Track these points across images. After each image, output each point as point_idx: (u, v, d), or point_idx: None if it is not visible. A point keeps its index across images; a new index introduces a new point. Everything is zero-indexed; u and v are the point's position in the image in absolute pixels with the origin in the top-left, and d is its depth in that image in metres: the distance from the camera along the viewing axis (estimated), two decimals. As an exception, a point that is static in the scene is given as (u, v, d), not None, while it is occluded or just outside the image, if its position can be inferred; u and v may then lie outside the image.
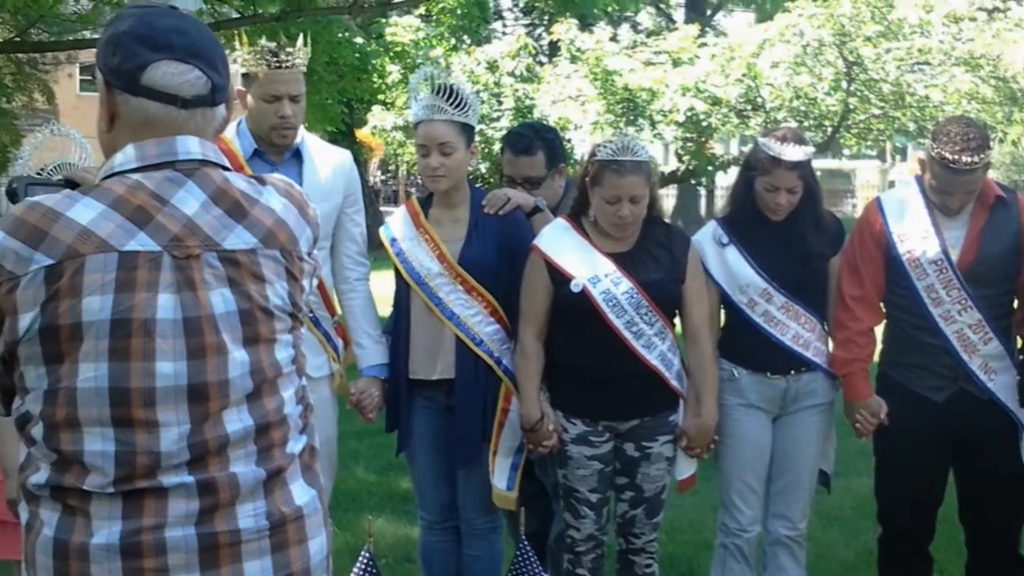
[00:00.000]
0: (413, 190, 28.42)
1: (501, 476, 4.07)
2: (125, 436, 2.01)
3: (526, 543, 3.95)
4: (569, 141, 14.63)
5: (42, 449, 2.05)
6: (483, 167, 15.08)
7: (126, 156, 2.10)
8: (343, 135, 19.56)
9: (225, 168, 2.17)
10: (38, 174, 3.71)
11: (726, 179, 17.50)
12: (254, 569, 2.08)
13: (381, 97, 18.14)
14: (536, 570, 3.91)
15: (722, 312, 4.25)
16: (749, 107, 16.07)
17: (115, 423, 2.01)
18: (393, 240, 4.18)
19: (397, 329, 4.20)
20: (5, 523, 3.69)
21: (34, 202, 2.05)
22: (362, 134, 21.86)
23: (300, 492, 2.17)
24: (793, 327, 4.13)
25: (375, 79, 17.10)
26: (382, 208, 28.59)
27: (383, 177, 36.88)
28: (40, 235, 1.99)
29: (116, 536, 2.01)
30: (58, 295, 1.98)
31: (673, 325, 4.03)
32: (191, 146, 2.12)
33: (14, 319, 2.01)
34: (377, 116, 17.78)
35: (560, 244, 4.00)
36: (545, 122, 12.45)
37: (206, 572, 2.04)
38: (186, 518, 2.04)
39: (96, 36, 12.65)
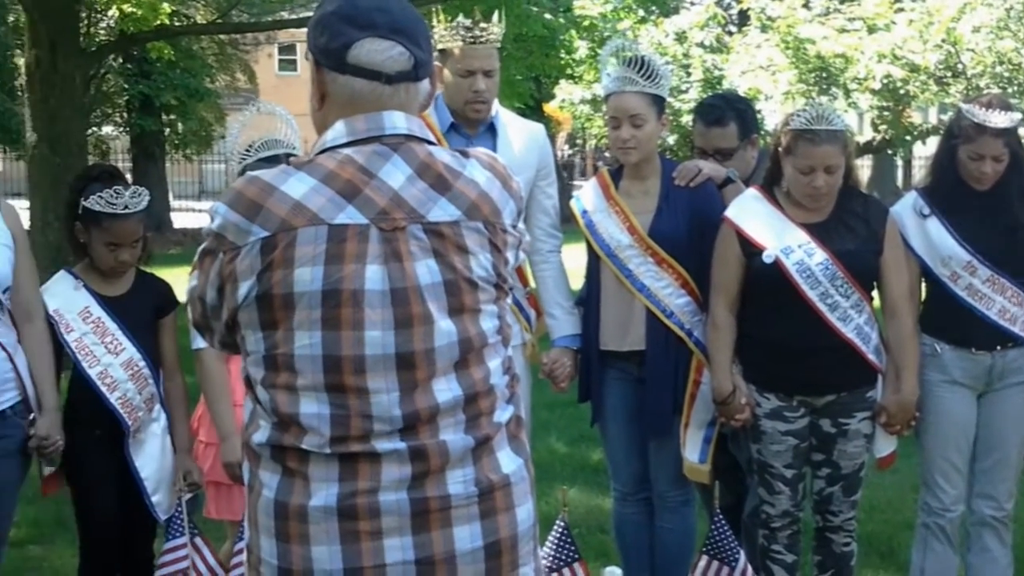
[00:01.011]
0: (600, 164, 28.40)
1: (693, 449, 4.06)
2: (339, 400, 2.09)
3: (721, 517, 3.93)
4: (759, 112, 14.37)
5: (263, 409, 2.16)
6: (671, 139, 14.97)
7: (336, 132, 2.18)
8: (531, 110, 19.69)
9: (430, 142, 2.22)
10: (246, 151, 3.88)
11: (924, 150, 16.93)
12: (463, 534, 2.14)
13: (569, 71, 18.19)
14: (732, 544, 3.88)
15: (923, 285, 4.13)
16: (949, 74, 15.45)
17: (328, 389, 2.09)
18: (584, 212, 4.21)
19: (588, 300, 4.23)
20: (220, 485, 3.88)
21: (253, 176, 2.15)
22: (550, 108, 21.96)
23: (507, 460, 2.21)
24: (999, 301, 3.97)
25: (563, 54, 17.14)
26: (571, 182, 28.67)
27: (571, 151, 36.96)
28: (257, 208, 2.09)
29: (333, 498, 2.09)
30: (272, 266, 2.08)
31: (871, 298, 3.94)
32: (397, 121, 2.18)
33: (234, 286, 2.12)
34: (565, 90, 17.84)
35: (752, 215, 3.94)
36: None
37: (418, 536, 2.11)
38: (399, 483, 2.10)
39: (294, 16, 13.07)
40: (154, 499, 3.80)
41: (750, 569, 3.91)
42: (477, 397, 2.17)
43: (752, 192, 4.03)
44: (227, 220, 2.12)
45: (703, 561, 3.91)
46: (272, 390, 2.13)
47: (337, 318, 2.08)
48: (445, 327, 2.13)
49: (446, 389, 2.14)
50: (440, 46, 4.01)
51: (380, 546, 2.09)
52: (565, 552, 3.87)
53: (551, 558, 3.84)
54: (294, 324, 2.08)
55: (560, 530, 3.90)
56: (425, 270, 2.12)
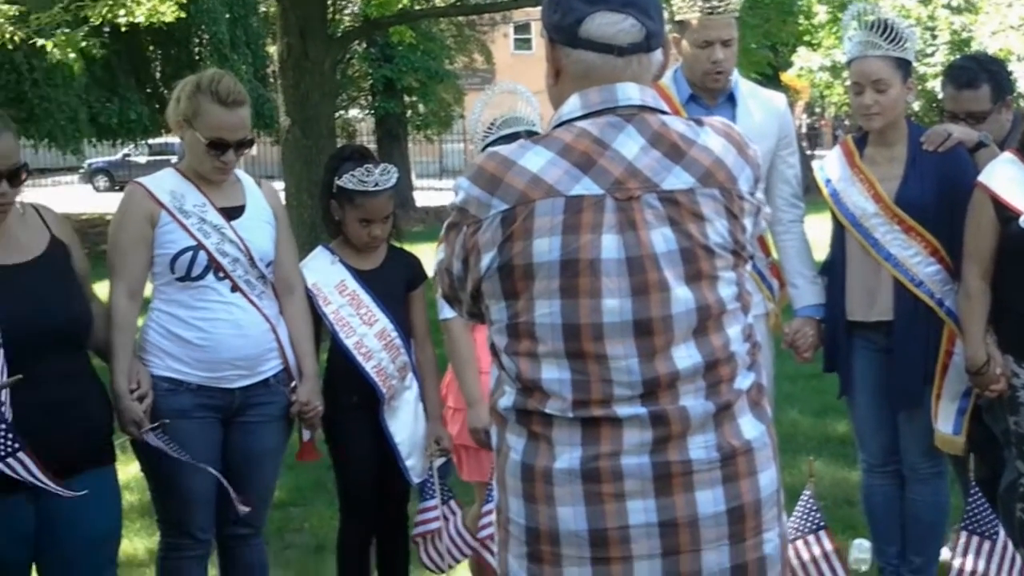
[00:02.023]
0: (839, 132, 27.57)
1: (946, 420, 3.94)
2: (579, 367, 2.15)
3: (978, 490, 3.80)
4: (1011, 73, 13.65)
5: (508, 376, 2.24)
6: (917, 105, 14.40)
7: (571, 105, 2.23)
8: (768, 79, 19.29)
9: (663, 112, 2.24)
10: (488, 129, 3.98)
11: None
12: (706, 498, 2.16)
13: (807, 38, 17.73)
14: (990, 519, 3.75)
15: None
16: None
17: (569, 355, 2.15)
18: (827, 181, 4.13)
19: (833, 270, 4.15)
20: (469, 448, 4.02)
21: (493, 151, 2.23)
22: (787, 77, 21.48)
23: (749, 426, 2.22)
24: None
25: (801, 19, 16.71)
26: (810, 152, 27.96)
27: (809, 120, 36.03)
28: (496, 182, 2.17)
29: (577, 461, 2.15)
30: (512, 237, 2.15)
31: None
32: (630, 92, 2.21)
33: (477, 258, 2.20)
34: (803, 58, 17.41)
35: (1008, 179, 3.78)
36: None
37: (660, 499, 2.15)
38: (640, 447, 2.14)
39: (529, -5, 13.22)
40: (408, 463, 3.96)
41: (1010, 544, 3.77)
42: (717, 364, 2.18)
43: (1007, 156, 3.86)
44: (469, 195, 2.20)
45: (963, 536, 3.79)
46: (515, 357, 2.20)
47: (575, 287, 2.13)
48: (682, 294, 2.15)
49: (686, 356, 2.16)
50: (678, 17, 4.00)
51: (623, 508, 2.14)
52: (811, 521, 3.83)
53: (797, 527, 3.81)
54: (534, 293, 2.15)
55: (806, 500, 3.86)
56: (660, 238, 2.14)
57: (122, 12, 10.82)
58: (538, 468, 2.18)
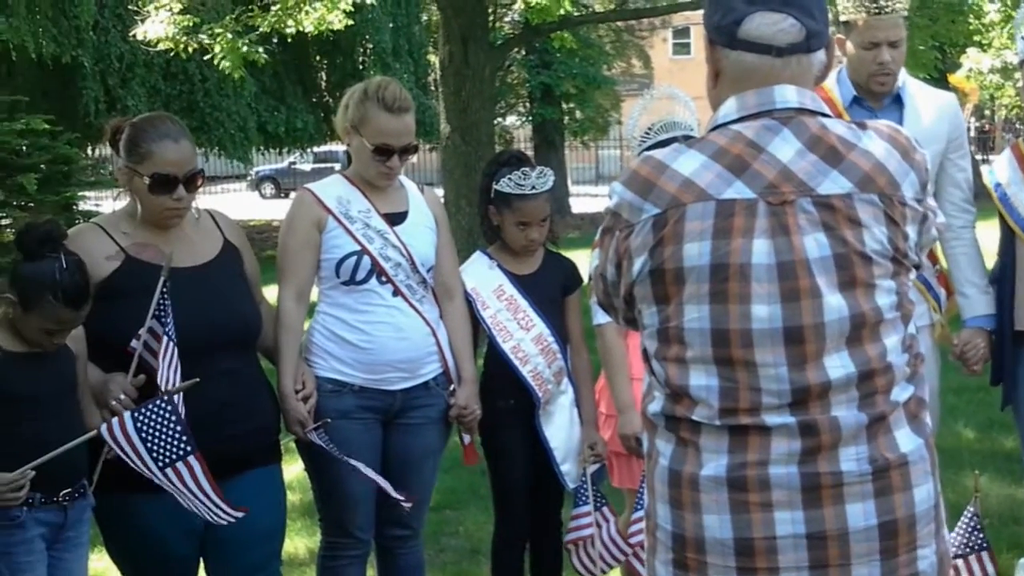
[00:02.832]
0: (1009, 136, 26.58)
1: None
2: (727, 373, 2.13)
3: None
4: None
5: (658, 381, 2.23)
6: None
7: (728, 108, 2.21)
8: (935, 81, 18.75)
9: (824, 115, 2.20)
10: (645, 134, 3.97)
11: None
12: (856, 512, 2.11)
13: (977, 39, 17.15)
14: None
15: None
16: None
17: (717, 362, 2.13)
18: (997, 186, 3.99)
19: (1002, 278, 4.01)
20: (621, 455, 4.01)
21: (647, 155, 2.23)
22: (955, 79, 20.83)
23: (905, 440, 2.16)
24: None
25: (971, 19, 16.18)
26: (980, 157, 27.04)
27: (978, 123, 34.84)
28: (649, 186, 2.17)
29: (723, 469, 2.13)
30: (663, 241, 2.14)
31: None
32: (788, 95, 2.17)
33: (630, 263, 2.21)
34: (972, 59, 16.85)
35: None
36: None
37: (809, 511, 2.10)
38: (788, 456, 2.11)
39: None
40: (562, 468, 3.97)
41: None
42: (872, 374, 2.13)
43: None
44: (622, 199, 2.21)
45: None
46: (664, 362, 2.20)
47: (725, 292, 2.11)
48: (835, 302, 2.10)
49: (838, 365, 2.11)
50: (843, 17, 3.92)
51: (770, 518, 2.10)
52: (973, 540, 3.70)
53: (958, 545, 3.68)
54: (684, 298, 2.14)
55: (969, 517, 3.73)
56: (813, 243, 2.10)
57: (290, 21, 11.14)
58: (685, 474, 2.17)
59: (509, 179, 3.94)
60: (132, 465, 3.00)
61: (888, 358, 2.15)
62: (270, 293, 3.67)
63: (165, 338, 3.09)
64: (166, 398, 3.00)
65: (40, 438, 2.97)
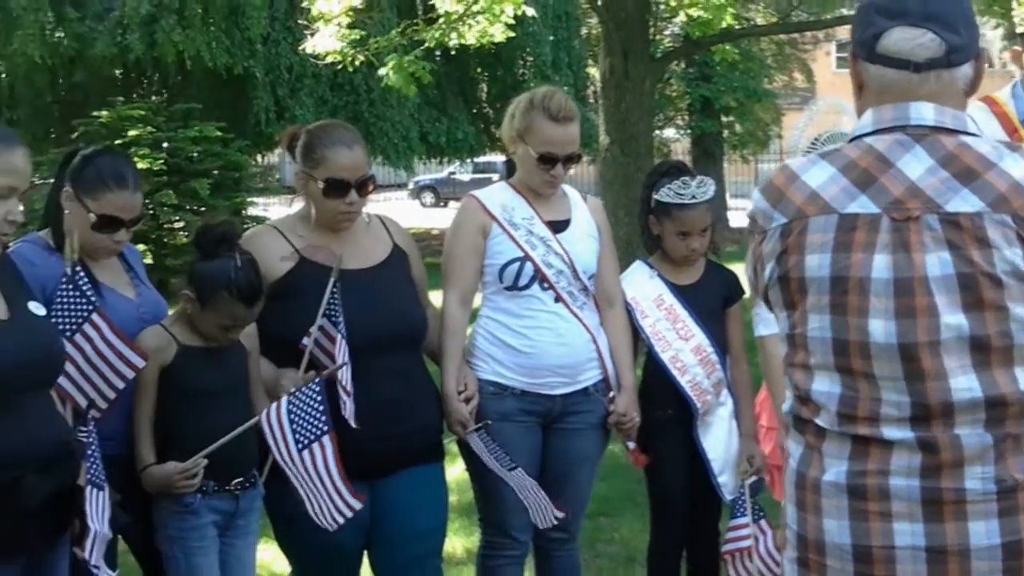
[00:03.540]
0: None
1: None
2: (849, 382, 2.14)
3: None
4: None
5: (788, 384, 2.28)
6: None
7: (864, 121, 2.22)
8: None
9: (967, 133, 2.16)
10: (811, 145, 3.94)
11: None
12: (979, 530, 2.07)
13: None
14: None
15: None
16: None
17: (839, 370, 2.15)
18: None
19: None
20: (780, 468, 3.96)
21: (784, 164, 2.28)
22: None
23: None
24: None
25: None
26: None
27: None
28: (779, 196, 2.21)
29: (843, 475, 2.14)
30: (788, 251, 2.18)
31: None
32: (925, 113, 2.15)
33: (763, 267, 2.26)
34: None
35: None
36: None
37: (929, 524, 2.08)
38: (909, 470, 2.09)
39: (853, 12, 12.92)
40: (720, 480, 3.95)
41: None
42: (1003, 400, 2.08)
43: None
44: (757, 206, 2.26)
45: None
46: (792, 368, 2.23)
47: (844, 305, 2.12)
48: (953, 321, 2.06)
49: (964, 388, 2.07)
50: (1019, 29, 3.82)
51: (889, 528, 2.10)
52: None
53: None
54: (807, 307, 2.17)
55: None
56: (936, 261, 2.07)
57: (454, 35, 11.34)
58: (809, 477, 2.20)
59: (669, 189, 3.95)
60: (276, 454, 3.11)
61: (1022, 387, 2.09)
62: (434, 298, 3.75)
63: (338, 336, 3.20)
64: (317, 380, 3.12)
65: (214, 430, 3.11)
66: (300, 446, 3.08)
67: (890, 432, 2.10)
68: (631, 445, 3.92)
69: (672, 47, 16.56)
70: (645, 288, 4.04)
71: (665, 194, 3.95)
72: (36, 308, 2.72)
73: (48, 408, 2.71)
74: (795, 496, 2.24)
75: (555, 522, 3.62)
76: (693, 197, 3.94)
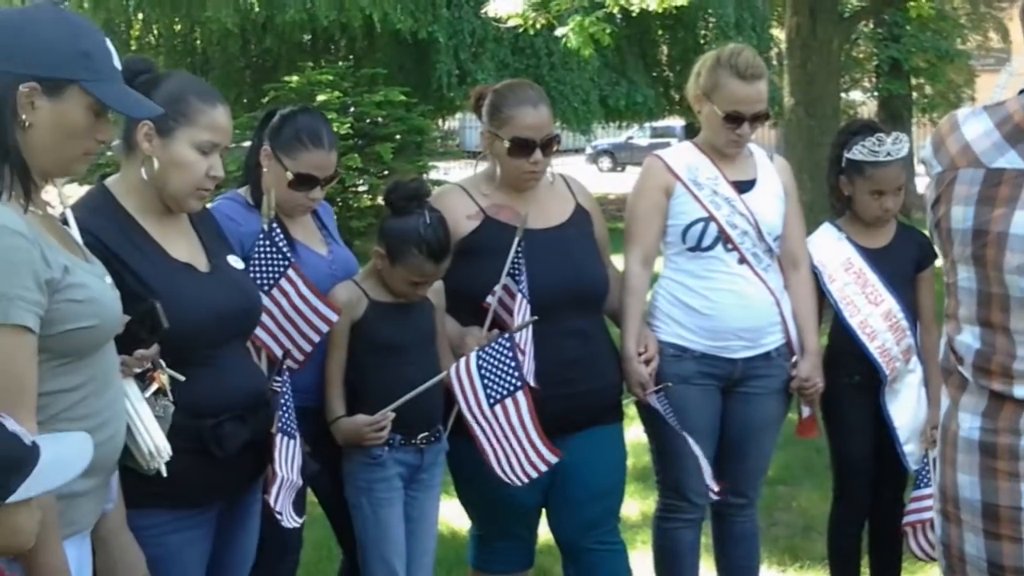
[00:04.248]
0: None
1: None
2: (987, 337, 2.15)
3: None
4: None
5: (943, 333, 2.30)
6: None
7: None
8: None
9: None
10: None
11: None
12: None
13: None
14: None
15: None
16: None
17: (980, 323, 2.16)
18: None
19: None
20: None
21: (953, 113, 2.27)
22: None
23: None
24: None
25: None
26: None
27: None
28: (939, 144, 2.24)
29: (976, 432, 2.15)
30: (940, 200, 2.21)
31: None
32: None
33: (928, 211, 2.29)
34: None
35: None
36: None
37: None
38: None
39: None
40: (906, 448, 3.85)
41: None
42: None
43: None
44: (925, 152, 2.30)
45: None
46: (947, 318, 2.27)
47: (983, 257, 2.14)
48: None
49: None
50: None
51: (1017, 489, 2.10)
52: None
53: None
54: (955, 257, 2.20)
55: None
56: None
57: (636, -2, 11.24)
58: (949, 431, 2.24)
59: (863, 146, 3.84)
60: (465, 409, 3.15)
61: None
62: (614, 263, 3.74)
63: (519, 295, 3.23)
64: (507, 335, 3.15)
65: (402, 384, 3.18)
66: (492, 401, 3.12)
67: (1020, 391, 2.10)
68: (805, 412, 3.85)
69: (862, 5, 16.04)
70: (833, 251, 3.94)
71: (859, 152, 3.84)
72: (235, 262, 2.83)
73: (245, 358, 2.83)
74: (941, 450, 2.28)
75: (714, 493, 3.57)
76: (888, 154, 3.83)
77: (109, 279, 2.30)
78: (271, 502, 2.75)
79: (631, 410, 3.84)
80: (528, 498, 3.45)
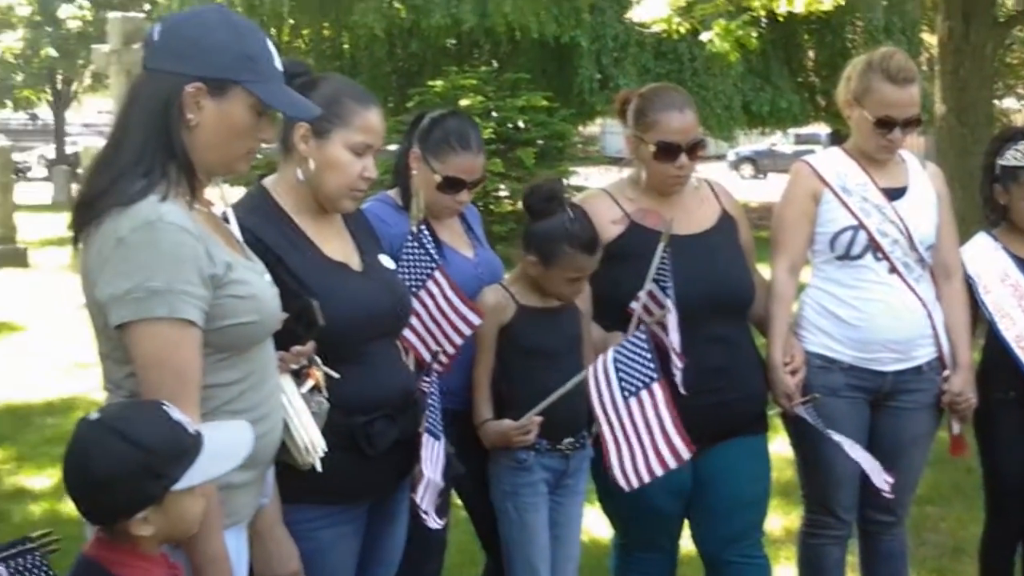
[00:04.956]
0: None
1: None
2: None
3: None
4: None
5: None
6: None
7: None
8: None
9: None
10: None
11: None
12: None
13: None
14: None
15: None
16: None
17: None
18: None
19: None
20: None
21: None
22: None
23: None
24: None
25: None
26: None
27: None
28: None
29: None
30: None
31: None
32: None
33: None
34: None
35: None
36: None
37: None
38: None
39: None
40: (1064, 468, 3.71)
41: None
42: None
43: None
44: None
45: None
46: None
47: None
48: None
49: None
50: None
51: None
52: None
53: None
54: None
55: None
56: None
57: (783, 2, 11.07)
58: None
59: (1017, 151, 3.72)
60: (596, 404, 3.09)
61: None
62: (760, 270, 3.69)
63: (668, 301, 3.20)
64: (643, 329, 3.12)
65: (549, 388, 3.18)
66: (626, 394, 3.07)
67: None
68: (956, 430, 3.73)
69: (1018, 9, 15.51)
70: (988, 262, 3.83)
71: (1012, 157, 3.73)
72: (387, 262, 2.88)
73: (395, 357, 2.87)
74: None
75: (887, 487, 3.46)
76: (1045, 159, 3.71)
77: (268, 276, 2.37)
78: (418, 501, 2.78)
79: (775, 421, 3.78)
80: (668, 505, 3.42)
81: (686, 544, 3.66)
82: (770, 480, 3.60)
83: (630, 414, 3.07)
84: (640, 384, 3.06)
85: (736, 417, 3.41)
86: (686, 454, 3.02)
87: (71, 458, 2.02)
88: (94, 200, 2.17)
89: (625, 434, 3.08)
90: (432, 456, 2.81)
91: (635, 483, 3.07)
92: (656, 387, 3.05)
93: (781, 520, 5.17)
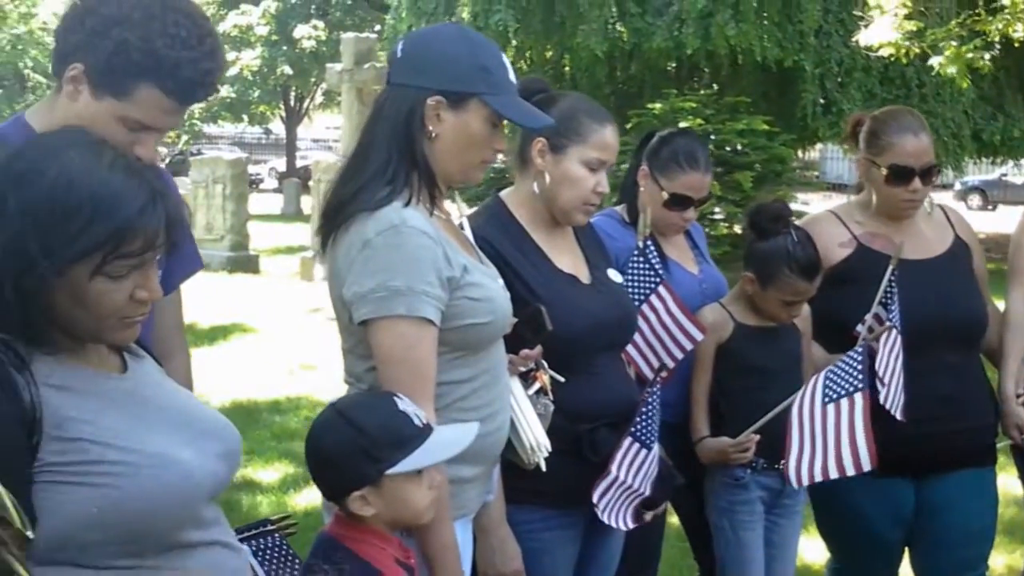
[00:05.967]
0: None
1: None
2: None
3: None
4: None
5: None
6: None
7: None
8: None
9: None
10: None
11: None
12: None
13: None
14: None
15: None
16: None
17: None
18: None
19: None
20: None
21: None
22: None
23: None
24: None
25: None
26: None
27: None
28: None
29: None
30: None
31: None
32: None
33: None
34: None
35: None
36: None
37: None
38: None
39: None
40: None
41: None
42: None
43: None
44: None
45: None
46: None
47: None
48: None
49: None
50: None
51: None
52: None
53: None
54: None
55: None
56: None
57: (1019, 26, 10.65)
58: None
59: None
60: (795, 410, 3.09)
61: None
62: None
63: (889, 324, 3.15)
64: (862, 344, 3.10)
65: (766, 406, 3.17)
66: (827, 399, 3.07)
67: None
68: None
69: None
70: None
71: None
72: (614, 275, 2.94)
73: (621, 369, 2.92)
74: None
75: None
76: None
77: (500, 281, 2.46)
78: (593, 493, 2.73)
79: (1002, 456, 3.65)
80: (889, 532, 3.35)
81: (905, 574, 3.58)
82: (996, 514, 3.47)
83: (824, 417, 3.07)
84: (843, 392, 3.06)
85: (964, 448, 3.31)
86: (867, 465, 2.99)
87: (310, 436, 2.20)
88: (342, 206, 2.31)
89: (812, 434, 3.08)
90: (631, 460, 2.78)
91: (805, 480, 3.09)
92: (858, 396, 3.03)
93: (1004, 558, 4.96)
